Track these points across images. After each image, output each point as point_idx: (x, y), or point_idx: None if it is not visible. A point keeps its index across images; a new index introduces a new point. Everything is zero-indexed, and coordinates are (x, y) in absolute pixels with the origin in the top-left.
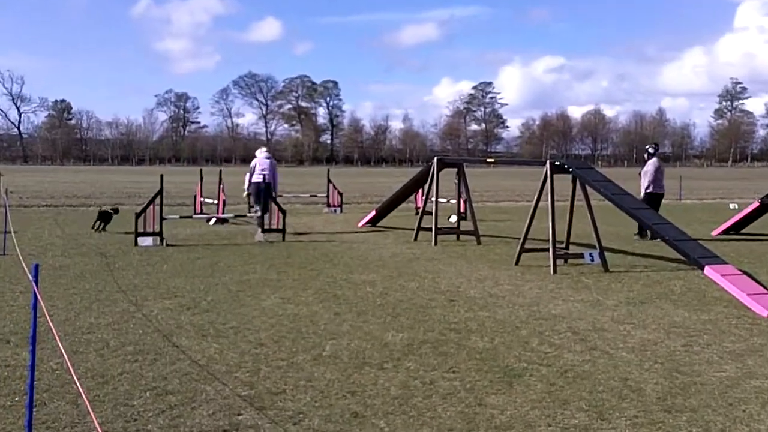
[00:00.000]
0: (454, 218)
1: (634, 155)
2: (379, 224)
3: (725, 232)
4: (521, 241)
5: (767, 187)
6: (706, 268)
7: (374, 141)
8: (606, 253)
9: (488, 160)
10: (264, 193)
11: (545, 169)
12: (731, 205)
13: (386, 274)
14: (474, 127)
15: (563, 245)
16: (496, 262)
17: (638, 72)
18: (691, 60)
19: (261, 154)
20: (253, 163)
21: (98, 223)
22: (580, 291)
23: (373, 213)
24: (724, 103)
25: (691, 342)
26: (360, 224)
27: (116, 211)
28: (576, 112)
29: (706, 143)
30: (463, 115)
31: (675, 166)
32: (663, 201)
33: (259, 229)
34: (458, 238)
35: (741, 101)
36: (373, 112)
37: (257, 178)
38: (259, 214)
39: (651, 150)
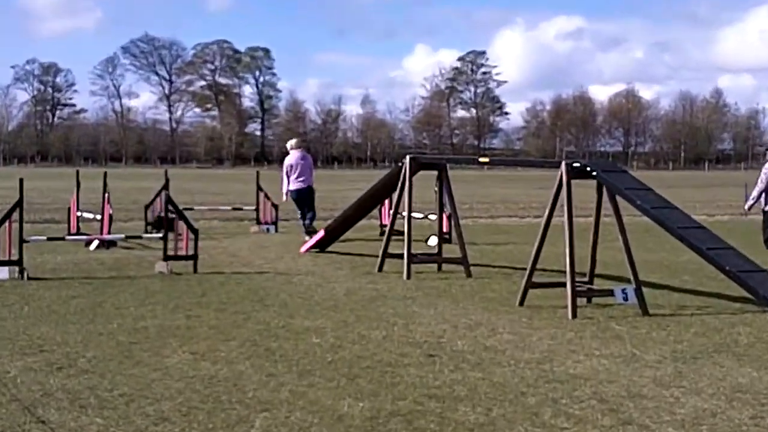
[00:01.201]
0: (433, 241)
1: (682, 153)
2: (329, 249)
3: None
4: (527, 272)
5: None
6: None
7: (322, 132)
8: (645, 290)
9: (481, 159)
10: (307, 198)
11: (560, 173)
12: None
13: (340, 320)
14: (461, 113)
15: (585, 278)
16: (493, 301)
17: (685, 39)
18: (757, 23)
19: (295, 153)
20: (287, 162)
21: None
22: (609, 342)
23: (321, 234)
24: None
25: (763, 413)
26: (303, 249)
27: None
28: (601, 94)
29: None
30: (445, 98)
31: (738, 168)
32: (722, 216)
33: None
34: (440, 268)
35: None
36: (321, 92)
37: (297, 185)
38: (308, 221)
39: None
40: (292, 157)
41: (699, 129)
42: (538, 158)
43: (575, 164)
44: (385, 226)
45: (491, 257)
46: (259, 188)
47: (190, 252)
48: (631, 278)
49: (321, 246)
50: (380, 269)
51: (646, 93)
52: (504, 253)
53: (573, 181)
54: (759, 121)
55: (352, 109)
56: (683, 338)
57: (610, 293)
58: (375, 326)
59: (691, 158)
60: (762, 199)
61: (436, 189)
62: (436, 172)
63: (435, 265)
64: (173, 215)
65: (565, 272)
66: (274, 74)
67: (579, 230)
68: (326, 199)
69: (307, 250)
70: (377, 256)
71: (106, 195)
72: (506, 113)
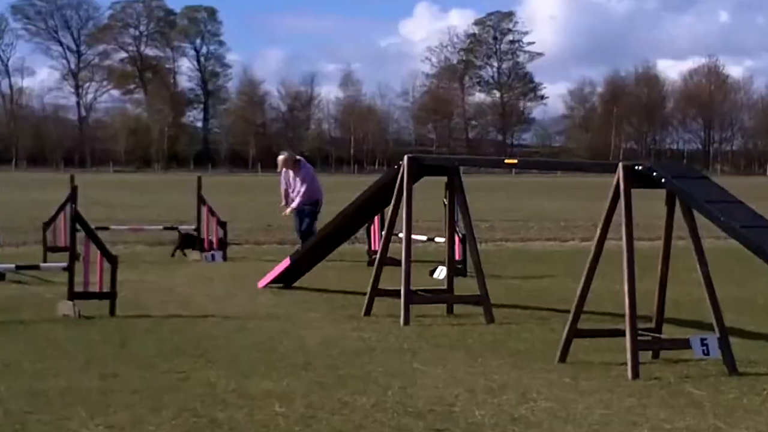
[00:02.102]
0: (442, 272)
1: None
2: (297, 283)
3: None
4: (571, 316)
5: None
6: None
7: (288, 124)
8: (733, 339)
9: (507, 160)
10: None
11: (615, 180)
12: None
13: (313, 381)
14: (480, 97)
15: (651, 324)
16: (524, 355)
17: None
18: None
19: (284, 163)
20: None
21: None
22: (684, 411)
23: (286, 263)
24: None
25: None
26: (262, 283)
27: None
28: (672, 71)
29: None
30: (458, 76)
31: None
32: None
33: None
34: (450, 310)
35: None
36: (286, 68)
37: (296, 203)
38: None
39: None
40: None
41: None
42: (586, 159)
43: (637, 167)
44: (375, 252)
45: (521, 295)
46: (201, 200)
47: (106, 288)
48: (714, 324)
49: (286, 280)
50: (368, 312)
51: (734, 70)
52: (539, 290)
53: (634, 191)
54: None
55: (329, 92)
56: None
57: (686, 344)
58: (361, 390)
59: None
60: None
61: (446, 201)
62: (445, 178)
63: (444, 306)
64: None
65: (623, 316)
66: (221, 43)
67: (642, 258)
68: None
69: (267, 285)
70: (364, 294)
71: None
72: (542, 98)
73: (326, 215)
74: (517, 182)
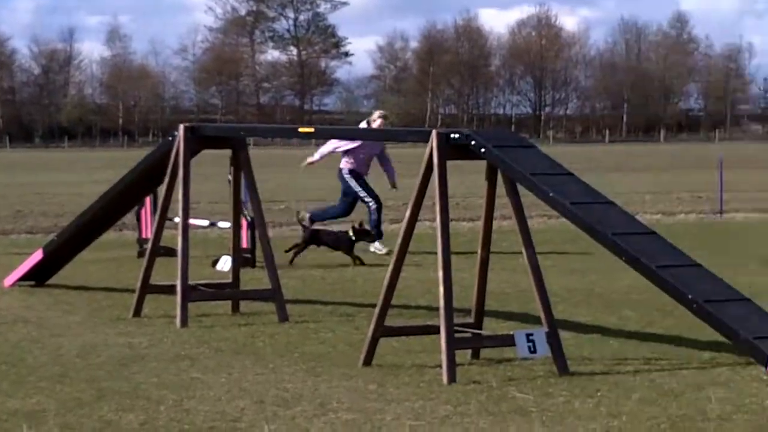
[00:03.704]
0: (226, 263)
1: (624, 116)
2: (52, 280)
3: None
4: (377, 312)
5: None
6: None
7: (44, 88)
8: (564, 334)
9: (302, 129)
10: None
11: (428, 149)
12: None
13: (71, 396)
14: (274, 55)
15: (470, 319)
16: (323, 359)
17: None
18: None
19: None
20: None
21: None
22: (507, 420)
23: (39, 256)
24: None
25: None
26: (9, 281)
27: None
28: (497, 22)
29: None
30: (247, 30)
31: (710, 139)
32: (685, 215)
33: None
34: (236, 308)
35: None
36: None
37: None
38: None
39: None
40: None
41: (651, 78)
42: (397, 126)
43: (453, 135)
44: (146, 240)
45: (321, 289)
46: None
47: None
48: (542, 317)
49: (39, 276)
50: (137, 312)
51: (568, 21)
52: (341, 282)
53: (452, 164)
54: (741, 64)
55: (93, 50)
56: (622, 410)
57: (510, 341)
58: (128, 406)
59: (639, 124)
60: None
61: (231, 179)
62: (229, 152)
63: (228, 304)
64: None
65: (437, 309)
66: None
67: (462, 242)
68: (49, 200)
69: (16, 283)
70: (133, 291)
71: None
72: (347, 54)
73: (87, 200)
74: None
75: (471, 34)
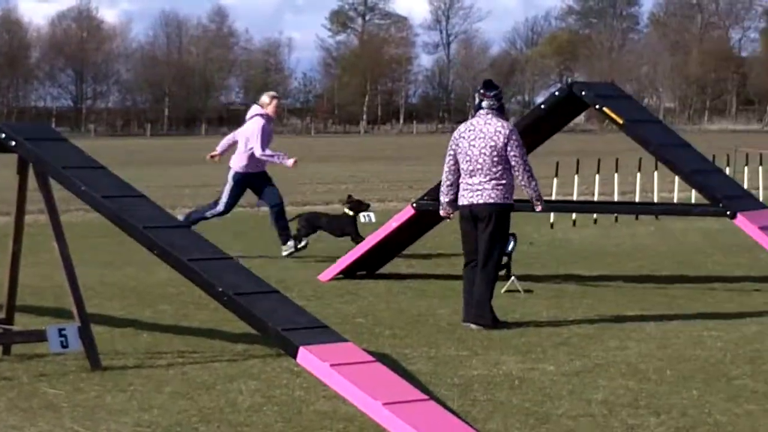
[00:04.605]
0: None
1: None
2: None
3: None
4: None
5: None
6: None
7: None
8: (97, 329)
9: None
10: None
11: None
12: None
13: None
14: None
15: (2, 315)
16: None
17: None
18: None
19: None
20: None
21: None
22: (37, 416)
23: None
24: None
25: None
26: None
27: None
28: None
29: None
30: None
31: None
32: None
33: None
34: None
35: None
36: None
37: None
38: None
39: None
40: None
41: (192, 72)
42: None
43: None
44: None
45: None
46: None
47: None
48: (75, 311)
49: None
50: None
51: (109, 14)
52: None
53: None
54: (281, 59)
55: None
56: (154, 403)
57: (42, 336)
58: None
59: (181, 117)
60: None
61: None
62: None
63: None
64: None
65: None
66: None
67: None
68: None
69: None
70: None
71: None
72: None
73: None
74: None
75: (11, 25)
